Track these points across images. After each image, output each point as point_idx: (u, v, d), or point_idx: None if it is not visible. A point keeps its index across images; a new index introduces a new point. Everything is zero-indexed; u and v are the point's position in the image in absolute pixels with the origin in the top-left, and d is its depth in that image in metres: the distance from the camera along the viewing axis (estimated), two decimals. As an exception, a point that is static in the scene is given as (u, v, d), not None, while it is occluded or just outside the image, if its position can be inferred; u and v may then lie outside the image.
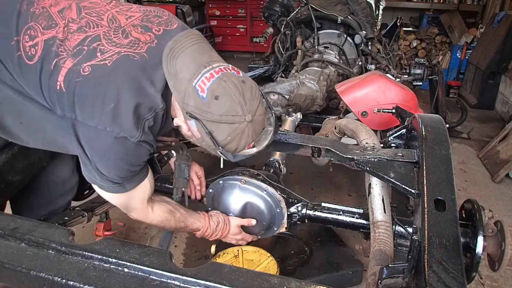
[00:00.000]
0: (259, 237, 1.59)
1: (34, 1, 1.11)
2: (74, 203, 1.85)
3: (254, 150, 1.17)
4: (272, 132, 1.19)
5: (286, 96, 2.45)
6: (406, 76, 3.02)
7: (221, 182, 1.51)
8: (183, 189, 1.46)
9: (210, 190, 1.54)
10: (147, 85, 1.04)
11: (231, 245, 1.89)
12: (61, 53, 1.03)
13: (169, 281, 0.90)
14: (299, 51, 2.97)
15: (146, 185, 1.21)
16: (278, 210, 1.47)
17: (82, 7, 1.11)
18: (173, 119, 1.17)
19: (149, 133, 1.08)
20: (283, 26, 3.15)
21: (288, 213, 1.51)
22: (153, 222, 1.32)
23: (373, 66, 2.88)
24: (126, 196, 1.19)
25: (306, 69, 2.69)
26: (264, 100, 1.15)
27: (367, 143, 1.46)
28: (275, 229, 1.52)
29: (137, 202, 1.24)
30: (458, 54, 5.90)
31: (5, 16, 1.08)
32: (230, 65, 1.11)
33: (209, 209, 1.57)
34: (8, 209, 1.56)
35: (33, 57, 1.04)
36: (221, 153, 1.11)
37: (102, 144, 1.04)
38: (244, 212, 1.50)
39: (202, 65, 1.05)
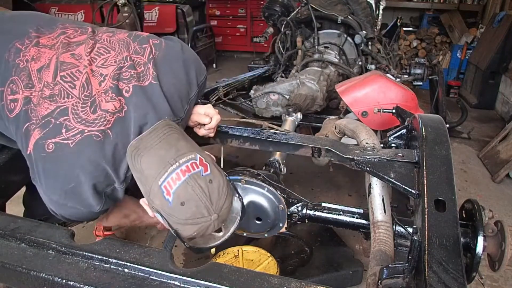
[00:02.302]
0: (265, 235, 1.58)
1: (21, 51, 1.11)
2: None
3: (219, 235, 1.18)
4: (239, 217, 1.19)
5: (286, 96, 2.45)
6: (406, 76, 3.02)
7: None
8: None
9: None
10: (107, 166, 1.06)
11: (231, 245, 1.89)
12: (32, 118, 1.05)
13: (169, 281, 0.90)
14: (299, 51, 2.97)
15: None
16: (282, 207, 1.48)
17: (60, 65, 1.10)
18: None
19: (110, 201, 1.14)
20: (283, 26, 3.15)
21: (288, 213, 1.51)
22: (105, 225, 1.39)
23: (373, 66, 2.88)
24: None
25: (306, 69, 2.70)
26: (231, 188, 1.13)
27: (367, 143, 1.46)
28: (281, 225, 1.52)
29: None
30: (458, 54, 5.90)
31: None
32: (198, 157, 1.05)
33: None
34: (8, 210, 1.56)
35: (12, 111, 1.08)
36: (187, 246, 1.11)
37: (64, 213, 1.09)
38: (248, 211, 1.49)
39: (168, 162, 1.02)
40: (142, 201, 1.14)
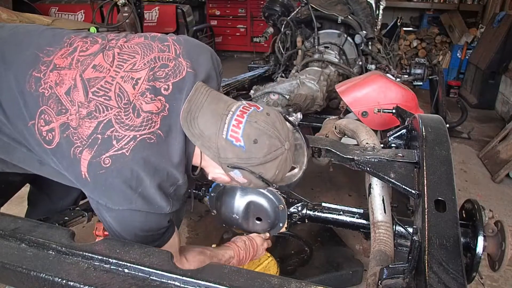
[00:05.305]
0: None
1: (41, 79, 1.08)
2: (74, 203, 1.85)
3: (296, 171, 1.20)
4: (306, 146, 1.24)
5: (286, 96, 2.45)
6: (406, 76, 3.02)
7: (221, 185, 1.51)
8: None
9: (212, 194, 1.55)
10: (166, 165, 1.06)
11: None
12: (76, 141, 1.02)
13: (169, 281, 0.90)
14: (299, 51, 2.97)
15: (175, 239, 1.22)
16: (282, 207, 1.48)
17: (87, 82, 1.07)
18: (194, 174, 1.18)
19: (176, 202, 1.12)
20: (283, 26, 3.15)
21: (288, 213, 1.51)
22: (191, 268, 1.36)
23: (373, 66, 2.88)
24: None
25: (306, 69, 2.70)
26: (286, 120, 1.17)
27: (367, 143, 1.46)
28: (281, 225, 1.52)
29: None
30: (458, 54, 5.90)
31: (15, 96, 1.08)
32: (245, 102, 1.10)
33: (213, 212, 1.57)
34: (8, 210, 1.56)
35: (51, 142, 1.05)
36: (276, 189, 1.15)
37: (136, 222, 1.08)
38: (248, 212, 1.50)
39: (222, 114, 1.05)
40: (213, 174, 1.16)
